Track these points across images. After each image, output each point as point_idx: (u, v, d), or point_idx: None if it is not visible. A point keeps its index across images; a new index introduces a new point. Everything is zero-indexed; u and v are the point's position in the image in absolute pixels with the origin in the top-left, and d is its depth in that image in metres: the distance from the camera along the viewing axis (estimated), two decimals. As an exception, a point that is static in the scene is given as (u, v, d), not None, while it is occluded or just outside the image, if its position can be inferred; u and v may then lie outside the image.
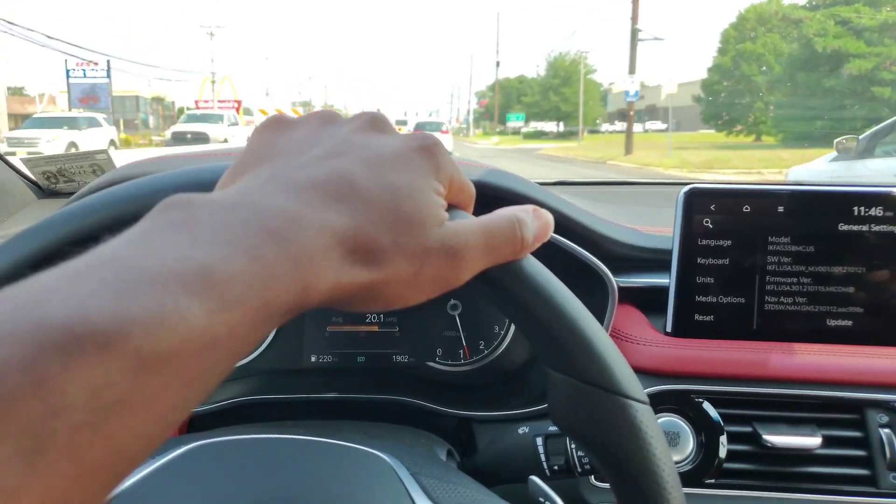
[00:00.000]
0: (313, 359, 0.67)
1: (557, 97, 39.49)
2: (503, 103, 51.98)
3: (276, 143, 0.27)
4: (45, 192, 0.97)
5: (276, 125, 0.29)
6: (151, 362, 0.16)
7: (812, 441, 0.53)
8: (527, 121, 43.25)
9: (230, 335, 0.18)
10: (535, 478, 0.44)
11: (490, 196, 0.55)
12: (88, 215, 0.41)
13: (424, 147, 0.27)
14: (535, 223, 0.29)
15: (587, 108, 37.24)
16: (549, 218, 0.31)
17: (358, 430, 0.49)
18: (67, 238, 0.40)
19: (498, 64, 47.69)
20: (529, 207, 0.30)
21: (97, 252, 0.18)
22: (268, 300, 0.20)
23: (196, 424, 0.64)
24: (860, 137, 4.73)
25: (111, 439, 0.15)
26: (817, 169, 4.92)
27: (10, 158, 0.94)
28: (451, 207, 0.28)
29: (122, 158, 0.83)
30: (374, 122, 0.28)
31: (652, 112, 44.93)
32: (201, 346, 0.17)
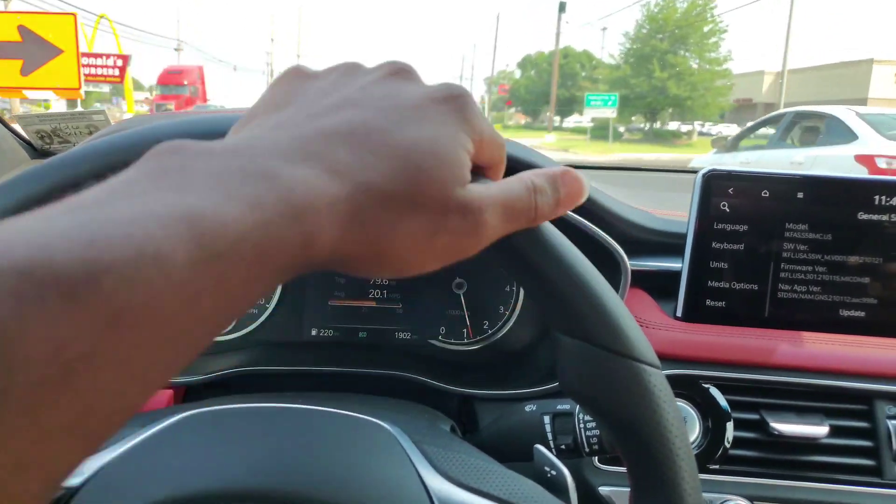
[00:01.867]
0: (314, 332, 0.66)
1: (665, 73, 22.43)
2: (536, 88, 34.58)
3: (292, 92, 0.26)
4: (38, 151, 0.94)
5: (295, 75, 0.27)
6: (125, 315, 0.14)
7: (819, 430, 0.53)
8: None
9: (218, 289, 0.17)
10: (540, 447, 0.44)
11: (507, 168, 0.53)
12: (79, 164, 0.39)
13: (451, 97, 0.25)
14: (562, 189, 0.28)
15: (713, 93, 22.30)
16: (581, 184, 0.29)
17: (360, 402, 0.48)
18: (56, 188, 0.38)
19: (563, 7, 25.88)
20: (547, 173, 0.28)
21: (77, 196, 0.16)
22: (264, 253, 0.18)
23: (192, 395, 0.63)
24: (729, 137, 6.10)
25: (78, 398, 0.14)
26: (705, 159, 6.07)
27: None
28: (476, 169, 0.26)
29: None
30: (399, 71, 0.26)
31: (747, 109, 26.14)
32: (184, 300, 0.16)
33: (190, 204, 0.17)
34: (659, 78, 22.69)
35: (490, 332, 0.66)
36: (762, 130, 5.82)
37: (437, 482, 0.34)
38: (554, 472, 0.42)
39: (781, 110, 6.10)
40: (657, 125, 24.35)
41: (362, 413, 0.40)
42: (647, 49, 23.58)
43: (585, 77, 31.87)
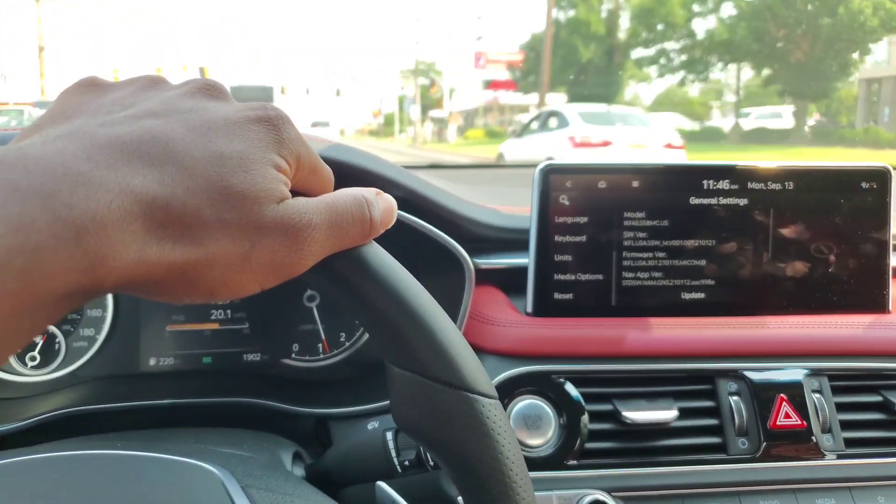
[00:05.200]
0: (152, 362, 0.60)
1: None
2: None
3: (85, 103, 0.23)
4: None
5: (88, 86, 0.24)
6: None
7: (668, 414, 0.54)
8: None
9: None
10: (382, 483, 0.42)
11: (337, 175, 0.51)
12: None
13: (265, 118, 0.23)
14: (381, 205, 0.27)
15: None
16: (393, 202, 0.28)
17: (191, 439, 0.43)
18: None
19: None
20: (373, 189, 0.27)
21: None
22: (35, 282, 0.16)
23: (9, 446, 0.56)
24: (517, 127, 8.80)
25: None
26: (505, 145, 8.52)
27: None
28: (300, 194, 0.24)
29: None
30: (208, 88, 0.24)
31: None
32: None
33: None
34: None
35: (347, 344, 0.63)
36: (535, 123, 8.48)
37: None
38: None
39: (543, 108, 9.16)
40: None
41: (189, 454, 0.36)
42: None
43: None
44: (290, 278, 0.23)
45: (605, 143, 6.78)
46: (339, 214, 0.24)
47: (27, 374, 0.59)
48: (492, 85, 24.32)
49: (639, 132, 7.06)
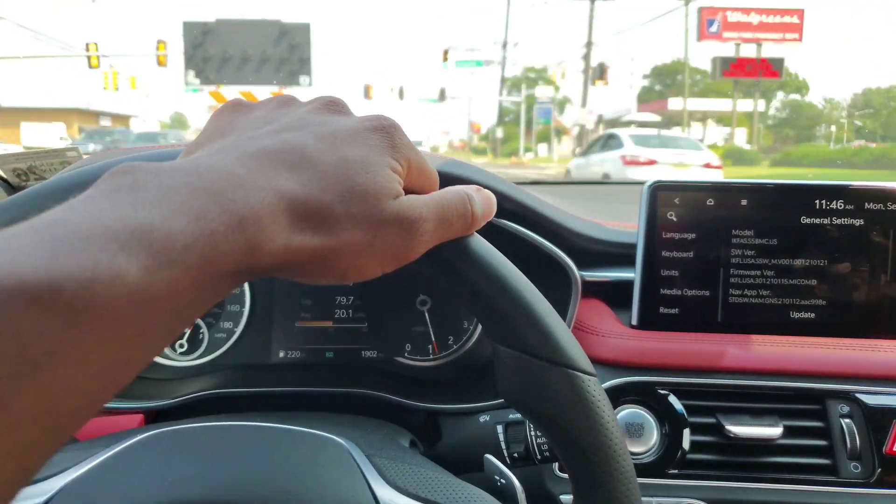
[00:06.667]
0: (281, 354, 0.67)
1: None
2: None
3: (233, 122, 0.28)
4: (15, 189, 0.96)
5: (234, 108, 0.30)
6: (85, 316, 0.16)
7: (773, 431, 0.54)
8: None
9: (171, 293, 0.19)
10: (490, 456, 0.45)
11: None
12: (41, 197, 0.41)
13: (380, 126, 0.28)
14: (481, 200, 0.31)
15: None
16: (492, 196, 0.32)
17: (318, 419, 0.49)
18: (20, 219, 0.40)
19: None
20: (474, 186, 0.31)
21: (40, 217, 0.19)
22: (211, 259, 0.20)
23: (163, 419, 0.64)
24: (584, 147, 11.64)
25: (44, 391, 0.16)
26: (573, 162, 10.55)
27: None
28: (411, 192, 0.28)
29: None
30: (332, 104, 0.29)
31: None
32: (139, 303, 0.18)
33: (141, 218, 0.19)
34: None
35: (455, 347, 0.67)
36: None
37: (386, 493, 0.35)
38: (503, 481, 0.43)
39: (604, 132, 11.10)
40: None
41: (317, 428, 0.41)
42: None
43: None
44: (406, 263, 0.27)
45: (651, 162, 8.03)
46: (445, 208, 0.28)
47: (176, 359, 0.67)
48: (734, 67, 13.71)
49: (681, 154, 8.51)
